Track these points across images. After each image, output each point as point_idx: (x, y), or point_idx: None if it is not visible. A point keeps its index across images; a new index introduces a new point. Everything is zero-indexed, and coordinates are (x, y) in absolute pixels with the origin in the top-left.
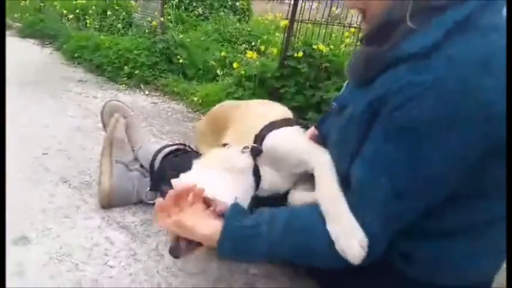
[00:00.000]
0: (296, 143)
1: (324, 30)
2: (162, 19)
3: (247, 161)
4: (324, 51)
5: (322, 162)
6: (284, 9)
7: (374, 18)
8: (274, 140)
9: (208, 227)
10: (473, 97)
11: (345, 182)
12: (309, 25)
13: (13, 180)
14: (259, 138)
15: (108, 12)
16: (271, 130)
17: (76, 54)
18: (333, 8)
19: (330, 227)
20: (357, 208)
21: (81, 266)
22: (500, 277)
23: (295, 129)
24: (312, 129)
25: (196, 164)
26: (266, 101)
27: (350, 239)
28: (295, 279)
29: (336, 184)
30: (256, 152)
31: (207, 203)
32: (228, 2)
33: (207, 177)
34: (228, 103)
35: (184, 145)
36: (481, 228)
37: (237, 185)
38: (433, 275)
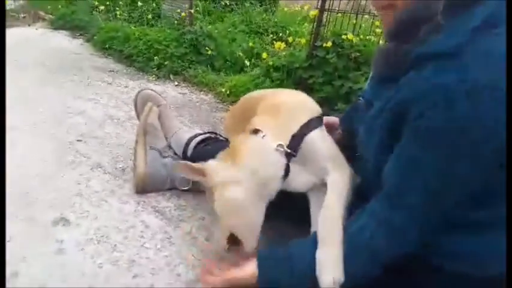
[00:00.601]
0: (326, 147)
1: (354, 21)
2: (191, 10)
3: (280, 160)
4: (354, 41)
5: (335, 180)
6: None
7: (397, 14)
8: (311, 142)
9: (245, 272)
10: (503, 98)
11: (370, 182)
12: (339, 15)
13: (49, 164)
14: (298, 137)
15: (138, 3)
16: (309, 130)
17: (106, 45)
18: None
19: (319, 252)
20: (390, 210)
21: (119, 246)
22: None
23: (324, 130)
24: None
25: (225, 154)
26: (294, 92)
27: (328, 272)
28: None
29: (341, 210)
30: (291, 155)
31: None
32: None
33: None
34: (256, 92)
35: (216, 133)
36: (500, 227)
37: (264, 187)
38: (477, 268)
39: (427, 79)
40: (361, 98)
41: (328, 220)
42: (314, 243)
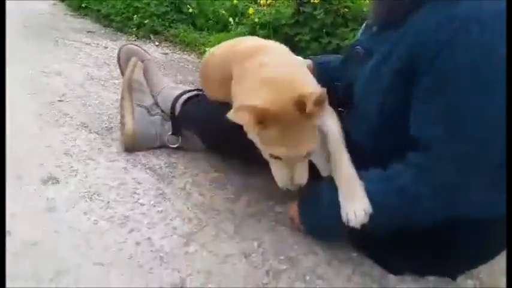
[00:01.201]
0: None
1: None
2: None
3: None
4: None
5: (332, 128)
6: None
7: None
8: None
9: None
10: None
11: (369, 120)
12: None
13: (33, 125)
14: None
15: None
16: None
17: (82, 4)
18: None
19: (341, 195)
20: (437, 162)
21: (112, 203)
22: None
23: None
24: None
25: None
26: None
27: (355, 208)
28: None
29: (347, 154)
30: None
31: None
32: None
33: None
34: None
35: (202, 90)
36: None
37: None
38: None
39: (440, 14)
40: (358, 47)
41: (345, 174)
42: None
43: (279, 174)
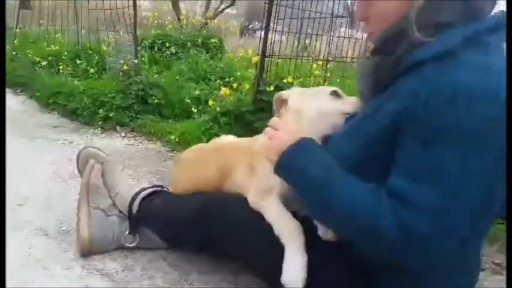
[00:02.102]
0: None
1: (294, 63)
2: (136, 61)
3: None
4: (295, 84)
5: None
6: (256, 42)
7: (380, 30)
8: None
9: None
10: (493, 106)
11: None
12: (279, 60)
13: None
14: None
15: (80, 60)
16: None
17: (50, 101)
18: (302, 41)
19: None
20: (404, 215)
21: None
22: None
23: None
24: None
25: None
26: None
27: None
28: None
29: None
30: None
31: None
32: (200, 40)
33: None
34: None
35: (162, 186)
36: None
37: None
38: None
39: (430, 81)
40: None
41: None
42: None
43: None
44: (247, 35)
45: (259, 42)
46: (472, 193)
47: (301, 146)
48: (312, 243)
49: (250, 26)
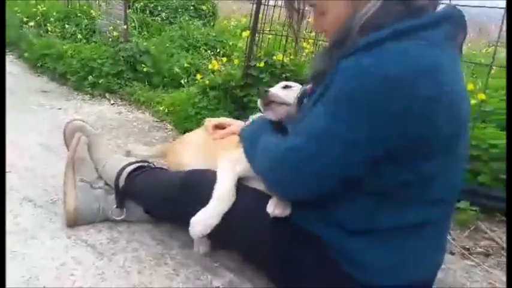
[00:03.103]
0: None
1: (284, 42)
2: (125, 26)
3: None
4: (284, 62)
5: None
6: (251, 7)
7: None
8: None
9: None
10: (399, 91)
11: None
12: (270, 36)
13: None
14: None
15: (69, 24)
16: None
17: (39, 63)
18: None
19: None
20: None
21: None
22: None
23: None
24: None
25: None
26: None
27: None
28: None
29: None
30: None
31: None
32: (193, 5)
33: None
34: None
35: (148, 162)
36: (411, 229)
37: None
38: (372, 277)
39: (346, 62)
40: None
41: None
42: None
43: None
44: None
45: (251, 10)
46: (324, 146)
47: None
48: (292, 238)
49: None
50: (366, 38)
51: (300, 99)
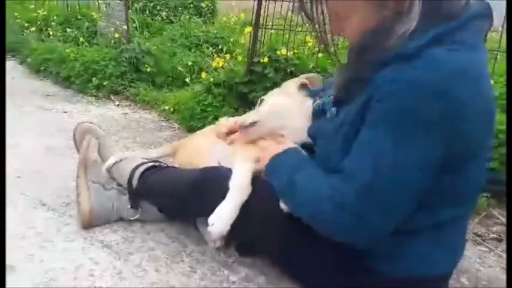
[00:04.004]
0: None
1: (287, 36)
2: (126, 27)
3: None
4: (288, 56)
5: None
6: (249, 4)
7: (354, 39)
8: None
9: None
10: (445, 101)
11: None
12: (272, 31)
13: None
14: None
15: (70, 27)
16: None
17: (41, 67)
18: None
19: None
20: (338, 183)
21: None
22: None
23: None
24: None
25: None
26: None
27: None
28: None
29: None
30: None
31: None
32: (192, 3)
33: None
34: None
35: (159, 161)
36: (443, 226)
37: None
38: (402, 269)
39: (387, 75)
40: (333, 109)
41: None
42: None
43: None
44: None
45: (253, 6)
46: (399, 174)
47: (281, 156)
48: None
49: None
50: (404, 47)
51: (318, 110)
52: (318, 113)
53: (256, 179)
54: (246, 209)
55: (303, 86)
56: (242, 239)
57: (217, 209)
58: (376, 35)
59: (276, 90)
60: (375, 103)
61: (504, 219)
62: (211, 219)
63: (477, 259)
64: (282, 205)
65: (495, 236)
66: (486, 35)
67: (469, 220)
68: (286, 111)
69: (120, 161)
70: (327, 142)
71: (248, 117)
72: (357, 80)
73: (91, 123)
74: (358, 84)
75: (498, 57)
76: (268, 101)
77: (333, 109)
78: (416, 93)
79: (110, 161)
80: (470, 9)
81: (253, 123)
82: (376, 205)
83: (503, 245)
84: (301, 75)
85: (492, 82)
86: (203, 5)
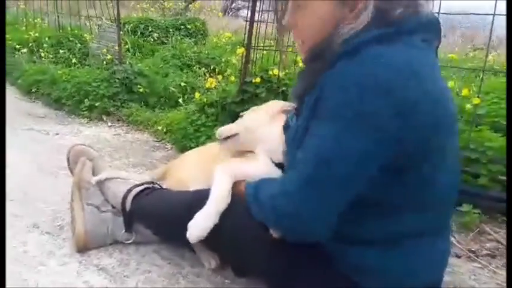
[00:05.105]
0: None
1: (278, 57)
2: (117, 48)
3: None
4: (280, 76)
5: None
6: (239, 22)
7: (310, 47)
8: None
9: None
10: (389, 94)
11: None
12: (264, 52)
13: None
14: None
15: (62, 48)
16: None
17: (32, 89)
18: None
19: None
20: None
21: None
22: None
23: None
24: None
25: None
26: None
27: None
28: None
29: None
30: None
31: None
32: (183, 24)
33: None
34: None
35: (152, 182)
36: (395, 238)
37: None
38: (378, 283)
39: (331, 71)
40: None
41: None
42: None
43: None
44: (230, 13)
45: (245, 27)
46: (336, 166)
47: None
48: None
49: (233, 5)
50: (347, 45)
51: (286, 126)
52: (286, 128)
53: (238, 201)
54: (227, 223)
55: (287, 112)
56: (233, 262)
57: (195, 216)
58: (331, 35)
59: (261, 107)
60: (321, 98)
61: (496, 236)
62: (189, 225)
63: (472, 275)
64: (271, 230)
65: (488, 252)
66: (437, 47)
67: (447, 235)
68: (261, 129)
69: (111, 178)
70: (289, 150)
71: (226, 129)
72: (311, 86)
73: (85, 145)
74: (311, 90)
75: (484, 75)
76: (247, 116)
77: (293, 119)
78: (356, 87)
79: (101, 176)
80: (416, 20)
81: (232, 136)
82: (315, 194)
83: (497, 261)
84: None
85: (478, 100)
86: (194, 26)
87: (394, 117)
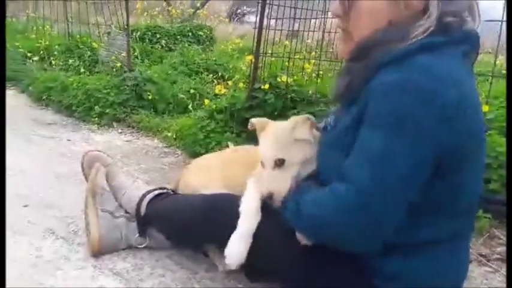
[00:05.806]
0: None
1: (287, 63)
2: (127, 56)
3: None
4: (288, 82)
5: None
6: (245, 28)
7: (358, 39)
8: None
9: None
10: (433, 102)
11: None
12: (273, 59)
13: None
14: None
15: (72, 57)
16: None
17: (43, 96)
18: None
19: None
20: (338, 187)
21: None
22: None
23: None
24: None
25: None
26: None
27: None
28: None
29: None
30: None
31: None
32: (191, 31)
33: None
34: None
35: (166, 188)
36: (445, 241)
37: None
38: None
39: (377, 79)
40: (331, 123)
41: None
42: None
43: None
44: (235, 19)
45: (254, 34)
46: (391, 171)
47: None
48: (322, 257)
49: (238, 11)
50: (392, 52)
51: (324, 127)
52: (324, 129)
53: (266, 207)
54: (255, 237)
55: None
56: (251, 265)
57: (230, 241)
58: (389, 33)
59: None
60: (368, 106)
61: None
62: (227, 252)
63: (483, 280)
64: (299, 236)
65: (499, 256)
66: (474, 63)
67: (470, 237)
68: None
69: (128, 188)
70: (326, 152)
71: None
72: (354, 84)
73: (99, 151)
74: (356, 89)
75: (492, 80)
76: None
77: (330, 118)
78: (404, 95)
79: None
80: (462, 32)
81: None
82: (377, 199)
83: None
84: (300, 117)
85: (487, 108)
86: (201, 33)
87: (438, 124)
